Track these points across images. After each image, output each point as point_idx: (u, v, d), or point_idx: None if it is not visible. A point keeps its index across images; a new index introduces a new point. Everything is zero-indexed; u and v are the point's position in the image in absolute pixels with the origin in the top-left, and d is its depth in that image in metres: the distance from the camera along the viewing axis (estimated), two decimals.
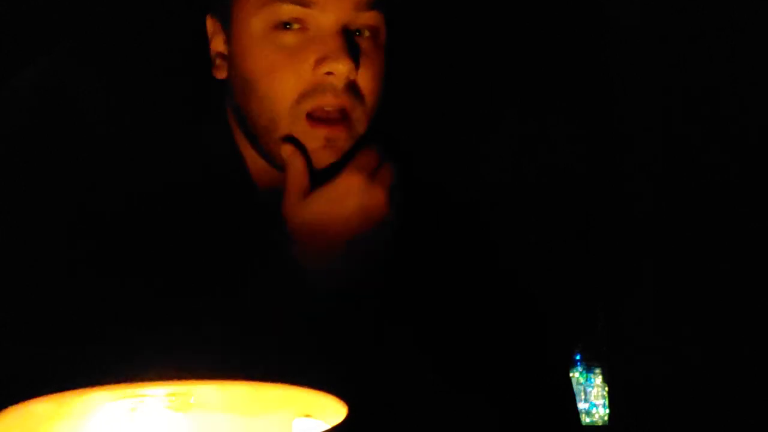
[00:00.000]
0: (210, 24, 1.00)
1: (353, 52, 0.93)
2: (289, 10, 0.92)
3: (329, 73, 0.92)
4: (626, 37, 1.77)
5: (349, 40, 0.93)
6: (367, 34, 0.95)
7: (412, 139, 1.15)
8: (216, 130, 1.01)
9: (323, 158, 0.94)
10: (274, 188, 0.97)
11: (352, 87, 0.94)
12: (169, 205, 0.96)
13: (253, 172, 1.00)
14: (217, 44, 0.99)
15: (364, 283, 0.94)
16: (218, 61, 1.00)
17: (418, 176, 1.06)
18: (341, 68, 0.92)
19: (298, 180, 0.93)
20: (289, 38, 0.93)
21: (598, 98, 1.89)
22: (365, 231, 0.92)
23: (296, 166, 0.94)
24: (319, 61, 0.92)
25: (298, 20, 0.93)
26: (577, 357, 2.06)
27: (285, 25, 0.93)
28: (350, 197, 0.92)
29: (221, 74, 1.00)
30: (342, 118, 0.94)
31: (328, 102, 0.93)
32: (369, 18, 0.95)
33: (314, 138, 0.94)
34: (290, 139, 0.94)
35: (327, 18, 0.93)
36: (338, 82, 0.92)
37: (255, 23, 0.94)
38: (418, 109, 1.28)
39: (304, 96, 0.93)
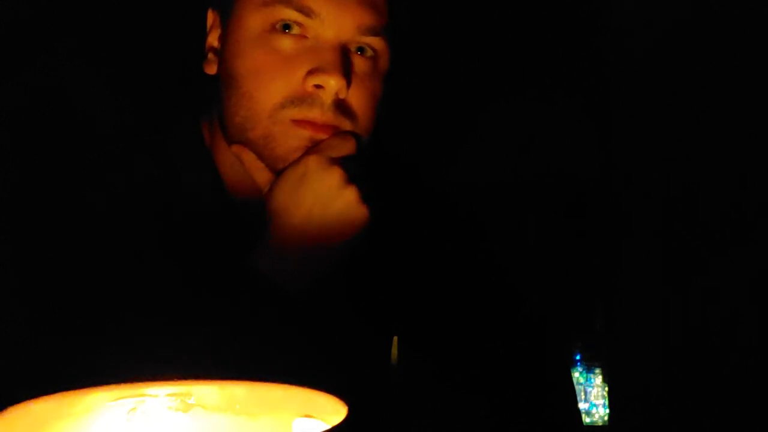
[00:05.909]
0: (210, 17, 0.99)
1: (347, 71, 0.91)
2: (290, 14, 0.91)
3: (318, 86, 0.90)
4: (623, 38, 1.77)
5: (346, 57, 0.92)
6: (368, 55, 0.94)
7: (406, 140, 1.15)
8: (189, 133, 1.00)
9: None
10: (249, 195, 0.96)
11: (341, 106, 0.92)
12: (163, 205, 0.96)
13: (228, 178, 0.99)
14: (213, 38, 0.98)
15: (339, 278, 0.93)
16: (210, 56, 0.99)
17: (412, 177, 1.06)
18: (332, 83, 0.90)
19: (256, 170, 0.93)
20: (285, 43, 0.92)
21: (593, 97, 1.89)
22: (336, 219, 0.90)
23: (247, 160, 0.93)
24: (311, 72, 0.90)
25: (298, 25, 0.91)
26: (577, 357, 2.06)
27: (284, 29, 0.92)
28: (308, 175, 0.90)
29: (211, 69, 0.98)
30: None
31: (315, 117, 0.91)
32: (371, 42, 0.93)
33: (297, 137, 0.92)
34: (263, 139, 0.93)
35: (327, 32, 0.91)
36: (327, 97, 0.90)
37: (253, 21, 0.93)
38: (414, 110, 1.28)
39: (290, 102, 0.91)
